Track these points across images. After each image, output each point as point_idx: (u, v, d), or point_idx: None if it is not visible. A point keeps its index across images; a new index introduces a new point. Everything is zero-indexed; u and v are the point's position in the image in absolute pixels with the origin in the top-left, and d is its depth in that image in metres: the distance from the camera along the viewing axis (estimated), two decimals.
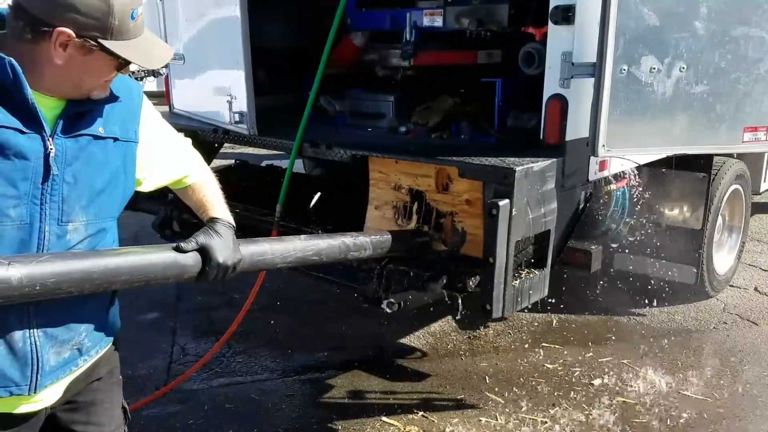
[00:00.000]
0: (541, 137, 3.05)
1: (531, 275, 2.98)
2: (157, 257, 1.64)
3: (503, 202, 2.67)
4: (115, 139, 1.61)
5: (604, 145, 2.76)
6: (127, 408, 1.92)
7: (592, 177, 3.18)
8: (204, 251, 1.69)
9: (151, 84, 16.97)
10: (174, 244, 1.69)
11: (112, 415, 1.84)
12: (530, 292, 2.98)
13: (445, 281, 2.97)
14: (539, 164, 2.84)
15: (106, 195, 1.61)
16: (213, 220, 1.79)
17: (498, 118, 3.49)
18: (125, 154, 1.65)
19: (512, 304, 2.87)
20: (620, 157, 3.25)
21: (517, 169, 2.71)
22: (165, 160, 1.82)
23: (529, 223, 2.84)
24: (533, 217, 2.85)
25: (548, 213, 2.93)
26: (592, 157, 3.06)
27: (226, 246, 1.73)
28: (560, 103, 2.92)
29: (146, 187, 1.80)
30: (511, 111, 3.44)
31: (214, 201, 1.88)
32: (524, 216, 2.79)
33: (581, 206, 3.23)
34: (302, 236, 2.13)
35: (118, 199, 1.66)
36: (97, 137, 1.57)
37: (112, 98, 1.61)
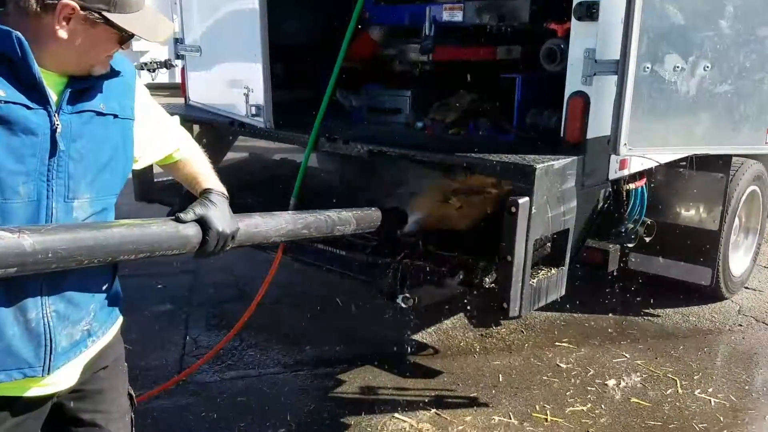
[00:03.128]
0: (562, 135, 3.02)
1: (549, 274, 2.96)
2: (161, 228, 1.63)
3: (523, 200, 2.65)
4: (115, 116, 1.62)
5: (626, 144, 2.73)
6: (134, 395, 1.93)
7: (612, 176, 3.15)
8: (202, 221, 1.68)
9: (163, 75, 17.05)
10: (173, 216, 1.68)
11: (119, 403, 1.85)
12: (548, 291, 2.96)
13: (461, 277, 2.96)
14: (560, 162, 2.81)
15: (108, 171, 1.62)
16: (207, 191, 1.78)
17: (517, 115, 3.46)
18: (124, 132, 1.66)
19: (529, 303, 2.85)
20: (641, 156, 3.21)
21: (538, 166, 2.69)
22: (157, 136, 1.83)
23: (548, 222, 2.82)
24: (552, 216, 2.83)
25: (567, 211, 2.91)
26: (612, 156, 3.03)
27: (223, 215, 1.72)
28: (582, 100, 2.89)
29: (141, 164, 1.81)
30: (531, 108, 3.41)
31: (205, 173, 1.88)
32: (543, 214, 2.77)
33: (600, 205, 3.20)
34: (290, 211, 2.15)
35: (119, 175, 1.67)
36: (99, 113, 1.58)
37: (111, 75, 1.61)
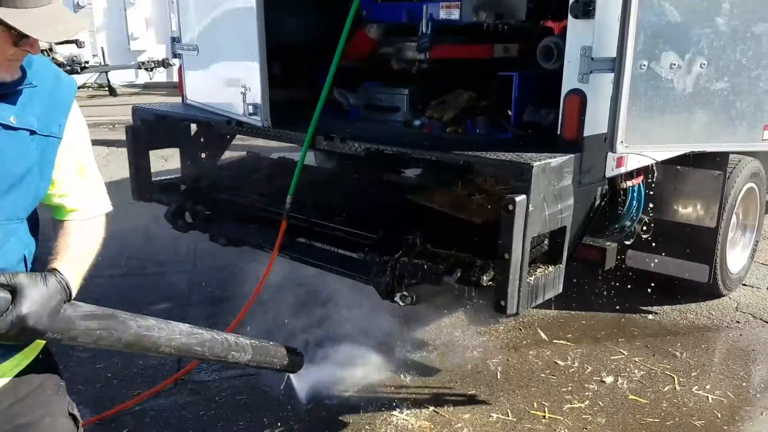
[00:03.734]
0: (559, 133, 3.02)
1: (546, 272, 2.97)
2: None
3: (520, 198, 2.66)
4: (32, 132, 1.45)
5: (622, 141, 2.74)
6: (77, 414, 1.78)
7: (609, 173, 3.16)
8: (15, 293, 1.37)
9: (160, 74, 17.02)
10: None
11: (56, 428, 1.71)
12: (545, 288, 2.97)
13: (459, 275, 2.97)
14: (557, 160, 2.82)
15: (16, 193, 1.44)
16: (54, 271, 1.48)
17: (514, 113, 3.47)
18: (44, 150, 1.48)
19: (527, 301, 2.86)
20: (638, 154, 3.22)
21: (535, 164, 2.70)
22: (73, 175, 1.58)
23: (545, 219, 2.82)
24: (549, 213, 2.83)
25: (564, 209, 2.92)
26: (609, 153, 3.04)
27: (43, 302, 1.40)
28: (579, 98, 2.90)
29: (55, 191, 1.57)
30: (528, 106, 3.41)
31: (75, 255, 1.56)
32: (540, 212, 2.78)
33: (598, 203, 3.21)
34: (188, 325, 1.95)
35: (29, 198, 1.48)
36: (7, 127, 1.40)
37: (27, 83, 1.44)
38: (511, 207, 2.64)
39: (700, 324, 4.31)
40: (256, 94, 3.76)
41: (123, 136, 4.74)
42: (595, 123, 2.94)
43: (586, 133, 2.96)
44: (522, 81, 3.44)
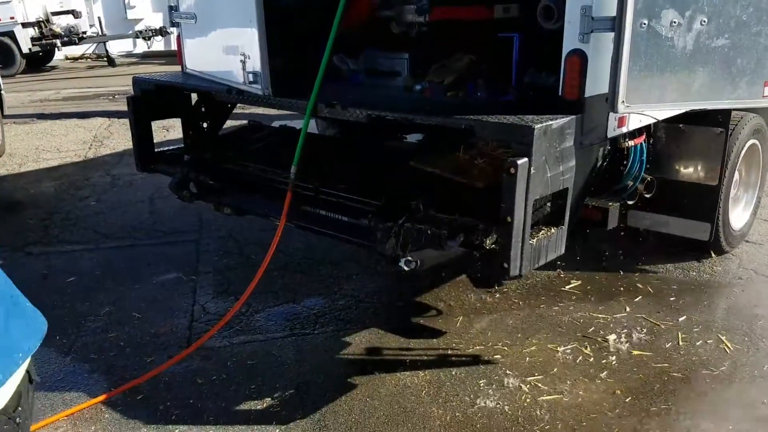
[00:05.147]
0: (560, 94, 3.02)
1: (548, 233, 2.99)
2: None
3: (522, 161, 2.67)
4: None
5: (623, 101, 2.74)
6: None
7: (610, 134, 3.16)
8: None
9: (159, 43, 16.83)
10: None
11: None
12: (548, 250, 3.00)
13: (462, 239, 3.00)
14: (558, 121, 2.82)
15: None
16: None
17: (515, 74, 3.46)
18: None
19: (530, 263, 2.89)
20: (640, 113, 3.22)
21: (536, 126, 2.70)
22: None
23: (547, 182, 2.84)
24: (551, 176, 2.85)
25: (566, 171, 2.93)
26: (611, 114, 3.04)
27: None
28: (579, 58, 2.89)
29: None
30: (529, 67, 3.40)
31: None
32: (542, 174, 2.79)
33: (600, 163, 3.22)
34: None
35: None
36: None
37: None
38: (512, 170, 2.65)
39: (702, 281, 4.35)
40: (255, 62, 3.74)
41: (124, 107, 4.74)
42: (596, 83, 2.93)
43: (587, 94, 2.95)
44: (522, 42, 3.42)
